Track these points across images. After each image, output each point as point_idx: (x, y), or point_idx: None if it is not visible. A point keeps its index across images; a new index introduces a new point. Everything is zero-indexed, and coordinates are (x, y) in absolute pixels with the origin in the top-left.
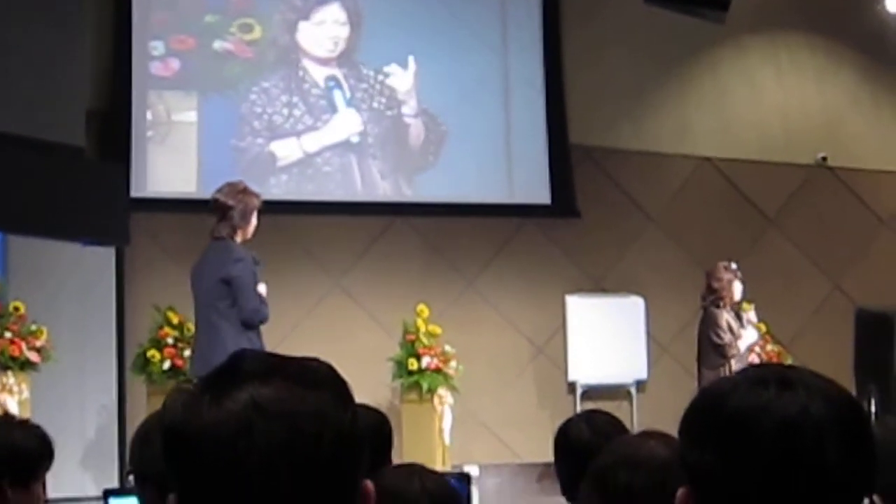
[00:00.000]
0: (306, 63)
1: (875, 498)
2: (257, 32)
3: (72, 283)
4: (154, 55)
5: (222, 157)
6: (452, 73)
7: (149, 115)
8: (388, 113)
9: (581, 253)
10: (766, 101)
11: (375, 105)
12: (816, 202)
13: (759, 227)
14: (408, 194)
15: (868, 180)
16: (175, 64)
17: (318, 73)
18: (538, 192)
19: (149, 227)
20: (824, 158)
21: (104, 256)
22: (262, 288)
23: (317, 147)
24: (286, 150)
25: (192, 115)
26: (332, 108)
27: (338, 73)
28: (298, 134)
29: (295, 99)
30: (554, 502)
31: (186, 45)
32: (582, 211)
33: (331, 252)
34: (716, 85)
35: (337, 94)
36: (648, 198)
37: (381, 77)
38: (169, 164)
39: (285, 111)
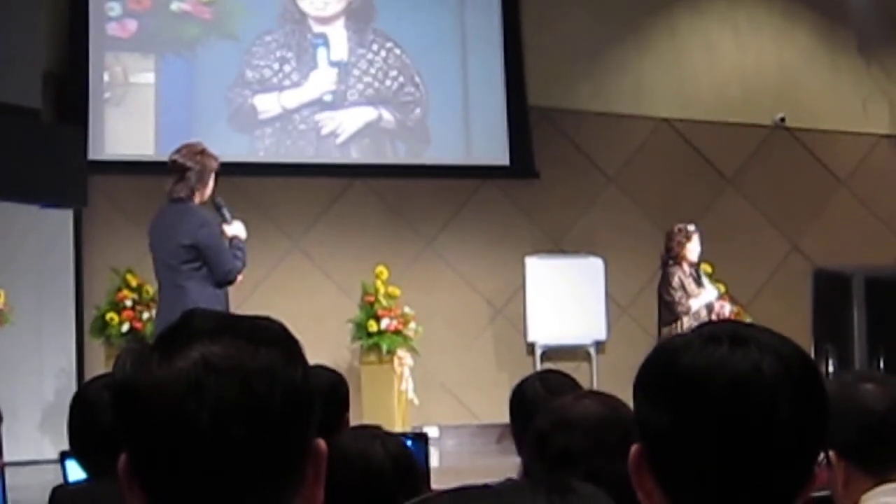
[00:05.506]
0: (311, 22)
1: (830, 453)
2: None
3: (29, 245)
4: (111, 16)
5: (180, 119)
6: (409, 32)
7: (106, 77)
8: (377, 76)
9: (540, 214)
10: (724, 62)
11: (370, 67)
12: (774, 162)
13: (718, 188)
14: (389, 157)
15: (825, 140)
16: (132, 25)
17: (318, 31)
18: (496, 152)
19: (106, 189)
20: (782, 119)
21: (62, 219)
22: (238, 228)
23: (295, 104)
24: (267, 104)
25: (149, 77)
26: (315, 66)
27: (341, 32)
28: (282, 89)
29: (289, 55)
30: (513, 463)
31: (143, 6)
32: (540, 172)
33: (289, 213)
34: (674, 45)
35: (321, 52)
36: (607, 158)
37: (386, 43)
38: (126, 126)
39: (276, 66)
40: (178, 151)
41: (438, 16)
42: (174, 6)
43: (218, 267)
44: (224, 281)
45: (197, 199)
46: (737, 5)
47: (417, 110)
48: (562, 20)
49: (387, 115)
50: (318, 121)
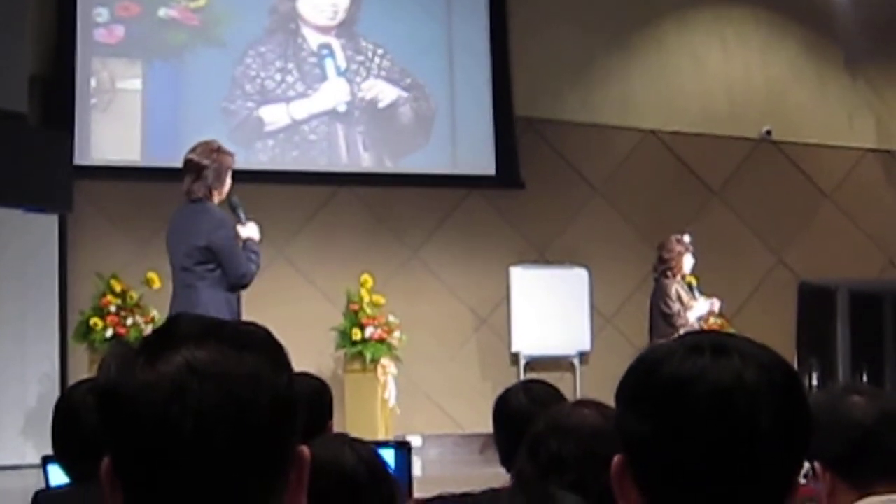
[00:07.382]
0: (305, 31)
1: (816, 465)
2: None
3: (14, 250)
4: (98, 22)
5: (167, 125)
6: (396, 41)
7: (93, 83)
8: (378, 85)
9: (525, 224)
10: (711, 74)
11: (368, 76)
12: (760, 175)
13: (703, 200)
14: (388, 166)
15: (811, 154)
16: (119, 31)
17: (315, 41)
18: (482, 162)
19: (92, 194)
20: (769, 132)
21: (47, 224)
22: (252, 229)
23: (304, 114)
24: (275, 115)
25: (136, 83)
26: (324, 77)
27: (335, 42)
28: (288, 100)
29: (290, 65)
30: (495, 472)
31: (131, 12)
32: (526, 182)
33: (274, 221)
34: (661, 57)
35: (328, 63)
36: (593, 169)
37: (377, 49)
38: (113, 131)
39: (278, 76)
40: (193, 150)
41: (425, 25)
42: (162, 12)
43: (232, 270)
44: (238, 284)
45: (216, 198)
46: (724, 18)
47: (415, 116)
48: (549, 31)
49: (387, 123)
50: (331, 130)
